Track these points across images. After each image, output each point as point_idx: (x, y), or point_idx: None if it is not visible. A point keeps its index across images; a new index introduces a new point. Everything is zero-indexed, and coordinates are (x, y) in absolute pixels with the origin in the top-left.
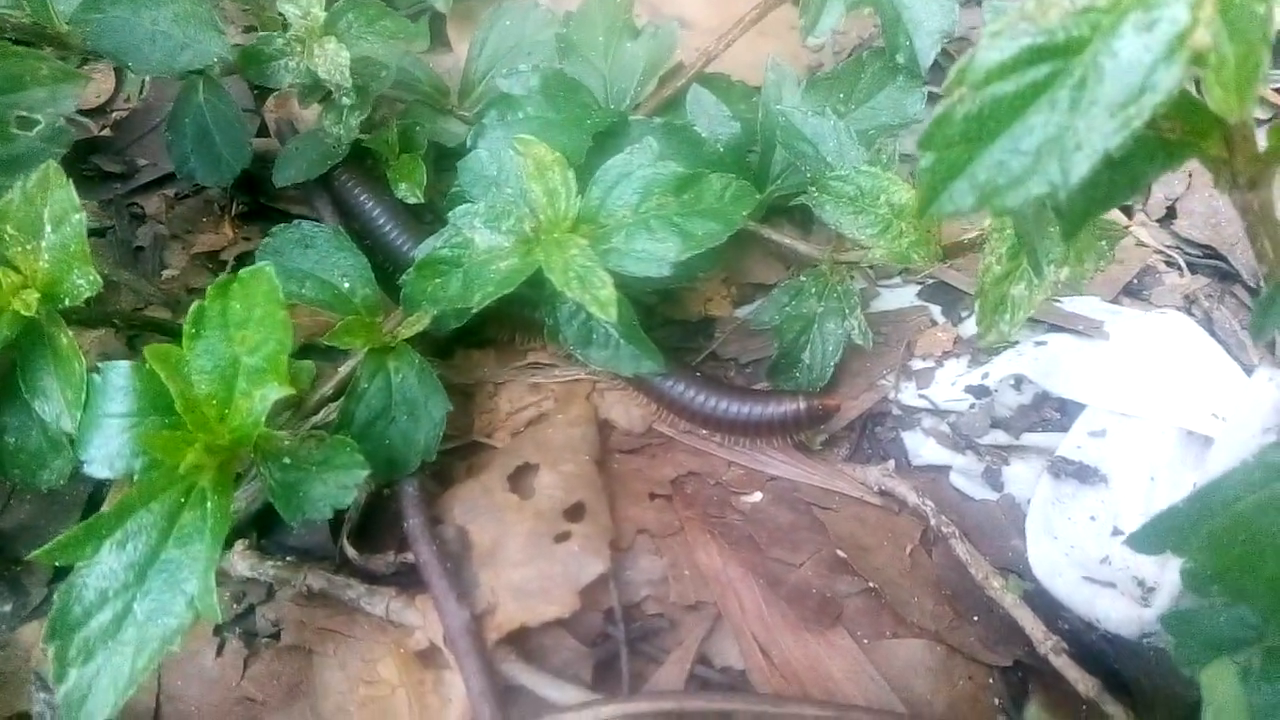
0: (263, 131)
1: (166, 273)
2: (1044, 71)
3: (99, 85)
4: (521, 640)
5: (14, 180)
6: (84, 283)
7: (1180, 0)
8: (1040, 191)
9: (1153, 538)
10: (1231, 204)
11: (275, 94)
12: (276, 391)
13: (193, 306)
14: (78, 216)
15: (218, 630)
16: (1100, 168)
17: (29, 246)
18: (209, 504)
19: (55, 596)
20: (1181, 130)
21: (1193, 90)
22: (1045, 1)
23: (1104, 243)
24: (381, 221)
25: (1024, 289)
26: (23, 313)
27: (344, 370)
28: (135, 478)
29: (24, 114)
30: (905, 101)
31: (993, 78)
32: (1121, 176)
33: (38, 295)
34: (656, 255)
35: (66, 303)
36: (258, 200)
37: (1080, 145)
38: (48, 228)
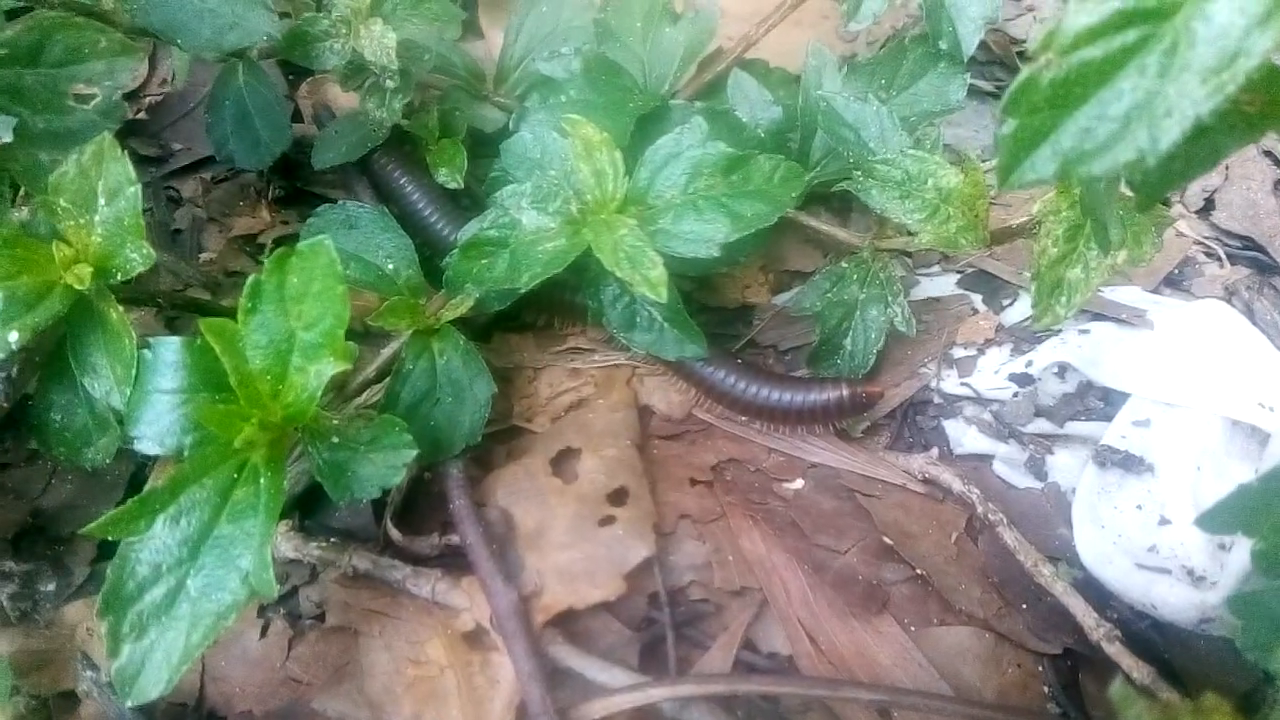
0: (295, 117)
1: (204, 255)
2: (1134, 36)
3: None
4: (567, 623)
5: (69, 153)
6: (137, 257)
7: None
8: (1128, 159)
9: (1223, 518)
10: None
11: (309, 79)
12: (332, 367)
13: (249, 280)
14: (133, 190)
15: (261, 611)
16: (1181, 139)
17: (82, 220)
18: (262, 480)
19: (108, 571)
20: (1261, 103)
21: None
22: None
23: (1153, 228)
24: (421, 205)
25: (1080, 272)
26: (75, 287)
27: (386, 353)
28: (185, 455)
29: (82, 89)
30: (947, 88)
31: (1081, 42)
32: (1200, 149)
33: (90, 269)
34: (705, 236)
35: (118, 277)
36: (294, 184)
37: (1170, 111)
38: (102, 201)
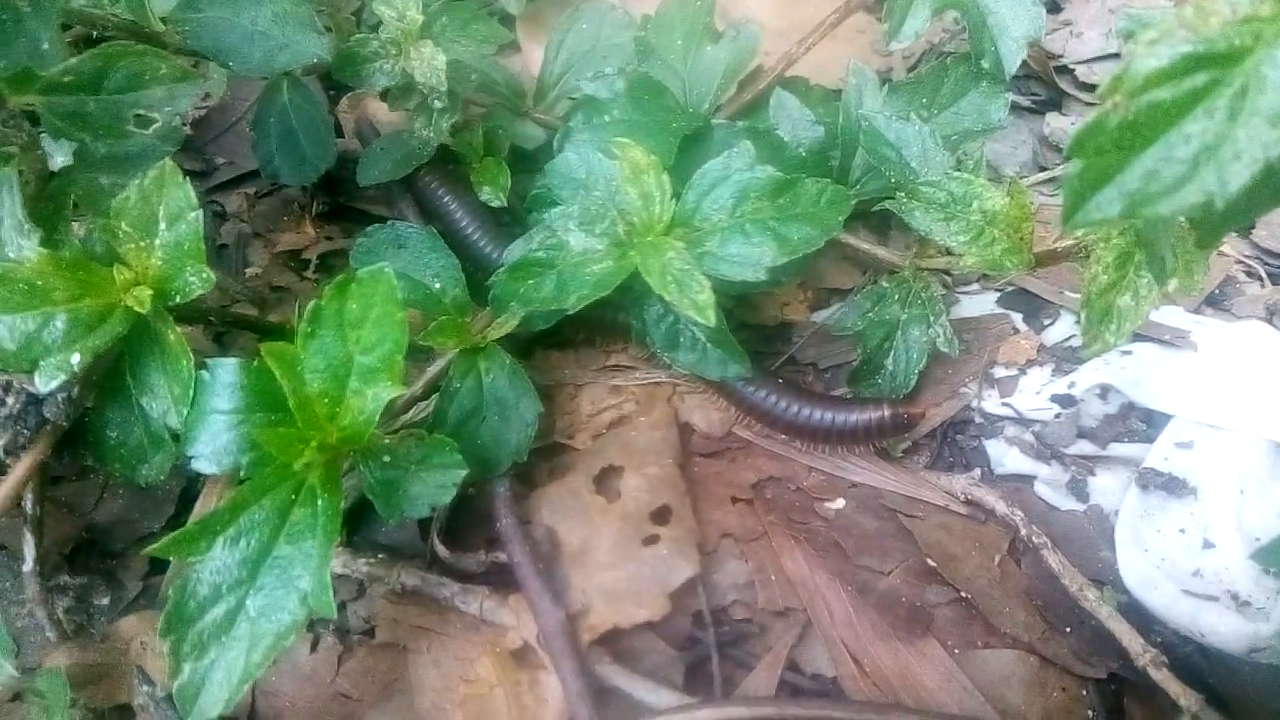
0: (336, 131)
1: (250, 270)
2: (1202, 80)
3: None
4: (612, 642)
5: (129, 177)
6: (196, 280)
7: None
8: (1195, 200)
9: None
10: None
11: (350, 93)
12: (389, 391)
13: (310, 305)
14: (194, 215)
15: (311, 626)
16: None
17: (143, 244)
18: (319, 501)
19: (170, 591)
20: None
21: None
22: (1205, 9)
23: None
24: (464, 223)
25: (1130, 299)
26: (136, 310)
27: (433, 370)
28: (240, 474)
29: (142, 112)
30: (989, 107)
31: (1150, 85)
32: (1264, 189)
33: (150, 292)
34: (752, 259)
35: (177, 300)
36: (337, 199)
37: (1239, 155)
38: (162, 225)
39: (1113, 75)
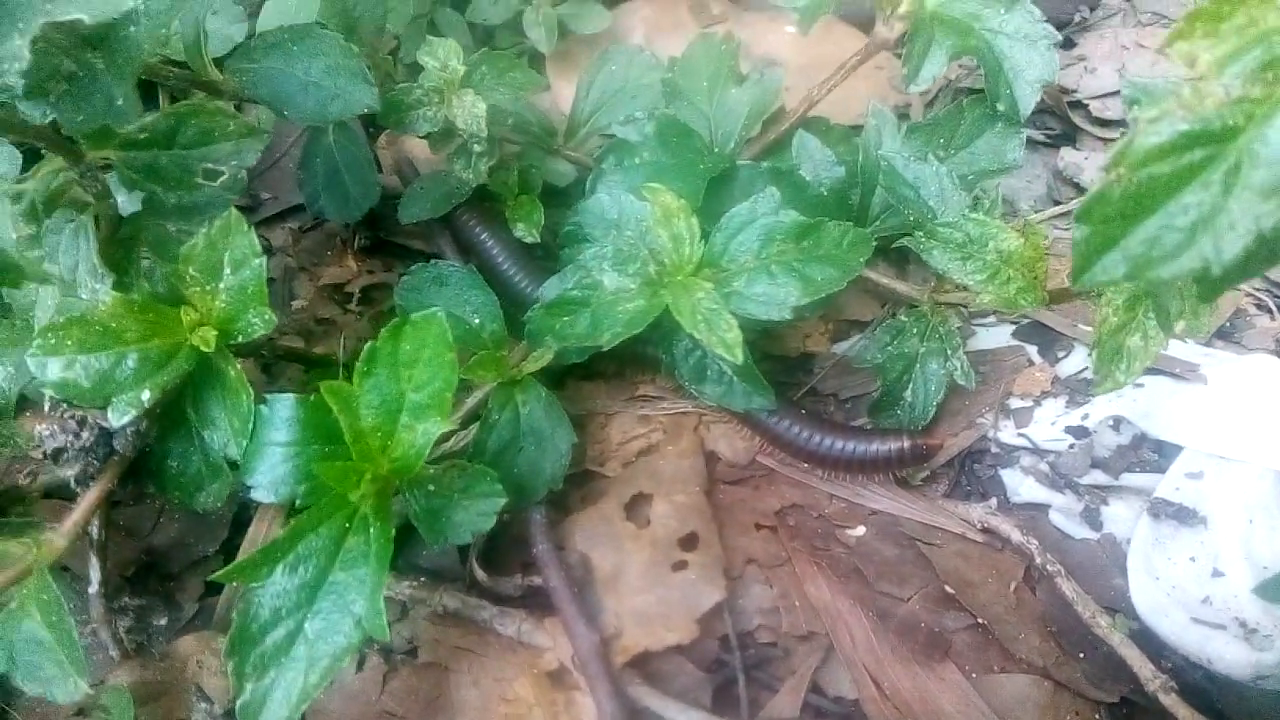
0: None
1: (296, 303)
2: (1199, 155)
3: None
4: (644, 664)
5: (196, 225)
6: (259, 322)
7: None
8: (1193, 266)
9: None
10: None
11: (386, 132)
12: (438, 426)
13: (366, 346)
14: (258, 261)
15: None
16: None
17: (208, 287)
18: (372, 530)
19: (234, 614)
20: None
21: None
22: (1201, 90)
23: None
24: (500, 259)
25: (1140, 340)
26: (201, 349)
27: (471, 402)
28: (296, 503)
29: (210, 165)
30: (1004, 147)
31: (1150, 159)
32: (1260, 252)
33: (215, 333)
34: (778, 299)
35: (239, 340)
36: (378, 234)
37: (1234, 225)
38: (227, 270)
39: (1116, 149)
